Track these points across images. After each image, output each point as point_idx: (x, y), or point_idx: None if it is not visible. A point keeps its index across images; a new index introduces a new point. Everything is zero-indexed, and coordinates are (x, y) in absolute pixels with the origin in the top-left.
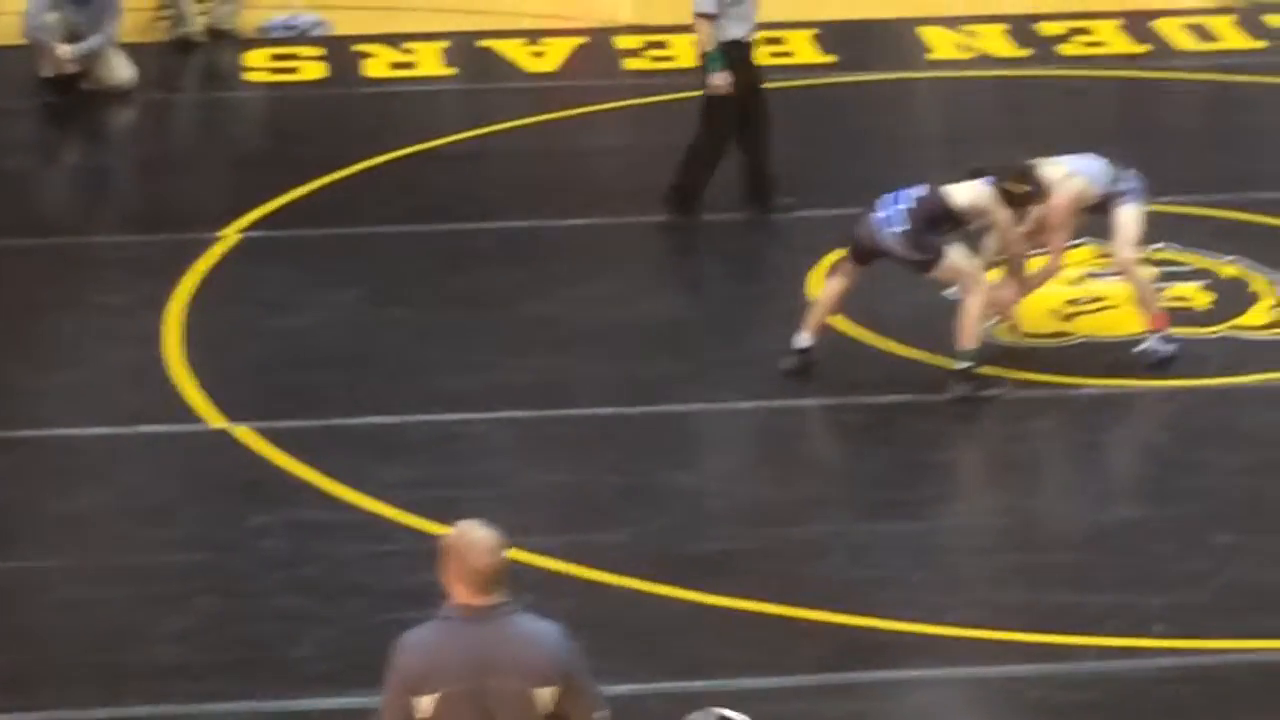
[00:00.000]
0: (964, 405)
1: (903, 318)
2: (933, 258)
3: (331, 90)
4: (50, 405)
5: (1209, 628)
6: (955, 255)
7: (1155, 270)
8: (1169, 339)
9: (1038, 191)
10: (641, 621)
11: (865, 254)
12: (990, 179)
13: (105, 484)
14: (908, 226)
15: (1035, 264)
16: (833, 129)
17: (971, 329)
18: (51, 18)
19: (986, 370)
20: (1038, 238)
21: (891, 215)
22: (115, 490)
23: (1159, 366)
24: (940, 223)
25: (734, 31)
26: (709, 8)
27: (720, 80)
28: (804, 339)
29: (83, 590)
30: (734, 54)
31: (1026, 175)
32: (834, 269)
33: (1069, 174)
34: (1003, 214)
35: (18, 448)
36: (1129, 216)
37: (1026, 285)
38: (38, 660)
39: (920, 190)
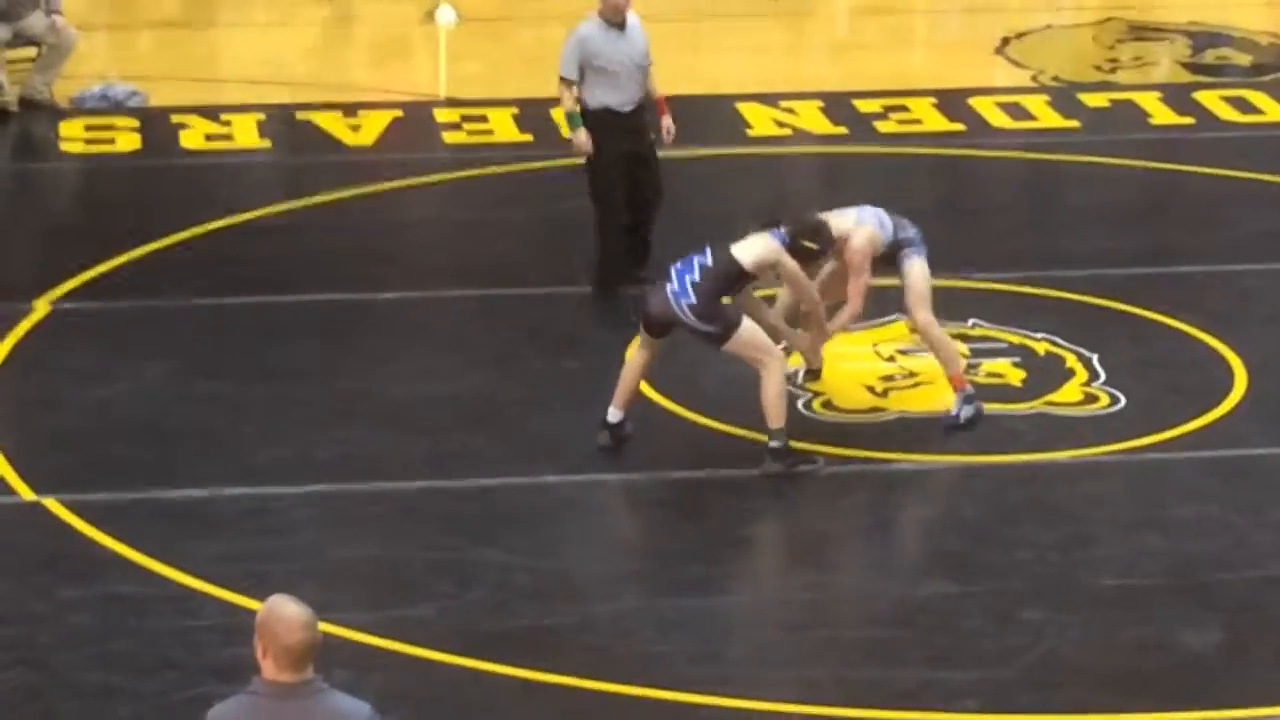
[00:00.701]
0: (777, 481)
1: (714, 391)
2: (725, 331)
3: (147, 161)
4: None
5: (1019, 702)
6: (748, 331)
7: (965, 347)
8: (969, 398)
9: (828, 246)
10: (455, 697)
11: (660, 327)
12: (780, 232)
13: None
14: (697, 299)
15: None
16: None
17: (776, 407)
18: None
19: (805, 446)
20: (834, 290)
21: (682, 288)
22: None
23: (966, 426)
24: (731, 284)
25: (604, 99)
26: (566, 73)
27: (576, 140)
28: (614, 414)
29: None
30: (608, 121)
31: (818, 231)
32: (637, 342)
33: (858, 222)
34: (790, 264)
35: None
36: (917, 274)
37: (826, 331)
38: None
39: (706, 256)
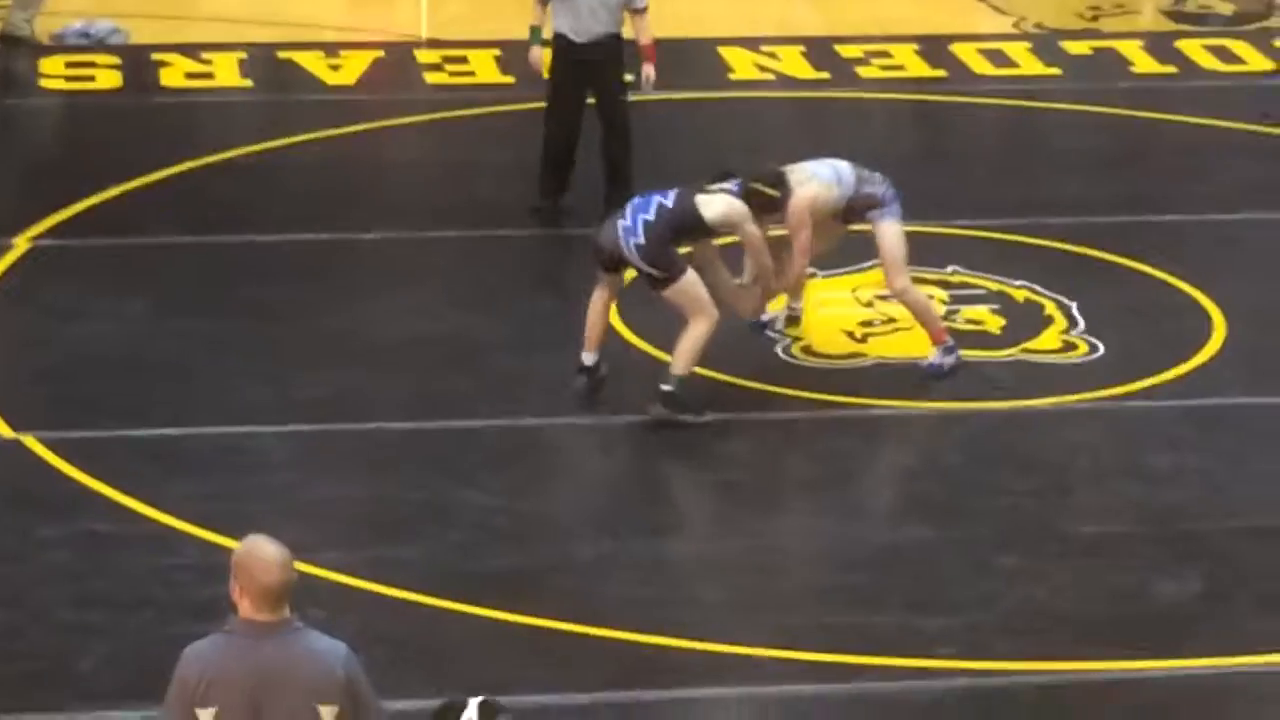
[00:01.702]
0: (758, 425)
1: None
2: (669, 276)
3: (127, 99)
4: None
5: (996, 649)
6: (690, 281)
7: (944, 293)
8: (949, 349)
9: (786, 196)
10: (432, 638)
11: (611, 261)
12: (738, 182)
13: None
14: (646, 239)
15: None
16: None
17: (688, 356)
18: None
19: (786, 392)
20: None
21: (634, 224)
22: None
23: (942, 379)
24: (687, 234)
25: (559, 24)
26: None
27: (531, 56)
28: (588, 357)
29: None
30: (561, 48)
31: (779, 179)
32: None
33: (809, 177)
34: (752, 230)
35: None
36: (891, 238)
37: (770, 290)
38: None
39: (669, 199)
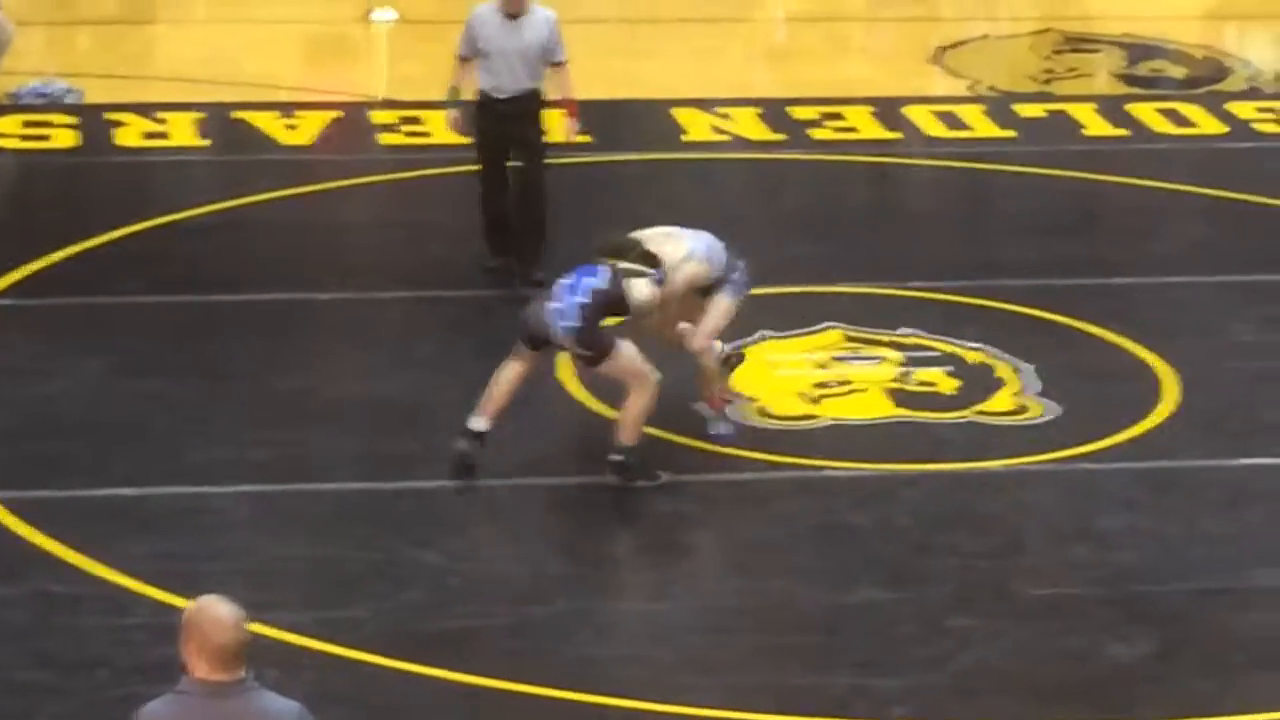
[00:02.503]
0: (710, 486)
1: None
2: (600, 355)
3: (83, 158)
4: None
5: (949, 709)
6: (627, 353)
7: (898, 354)
8: (724, 419)
9: (661, 279)
10: (385, 698)
11: (536, 342)
12: (608, 267)
13: None
14: (581, 324)
15: None
16: (585, 208)
17: (635, 425)
18: None
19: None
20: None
21: (566, 308)
22: None
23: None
24: (613, 314)
25: (483, 82)
26: (459, 48)
27: (448, 117)
28: (481, 423)
29: None
30: (483, 105)
31: (654, 260)
32: (512, 353)
33: (687, 255)
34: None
35: None
36: (721, 308)
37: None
38: None
39: (599, 280)
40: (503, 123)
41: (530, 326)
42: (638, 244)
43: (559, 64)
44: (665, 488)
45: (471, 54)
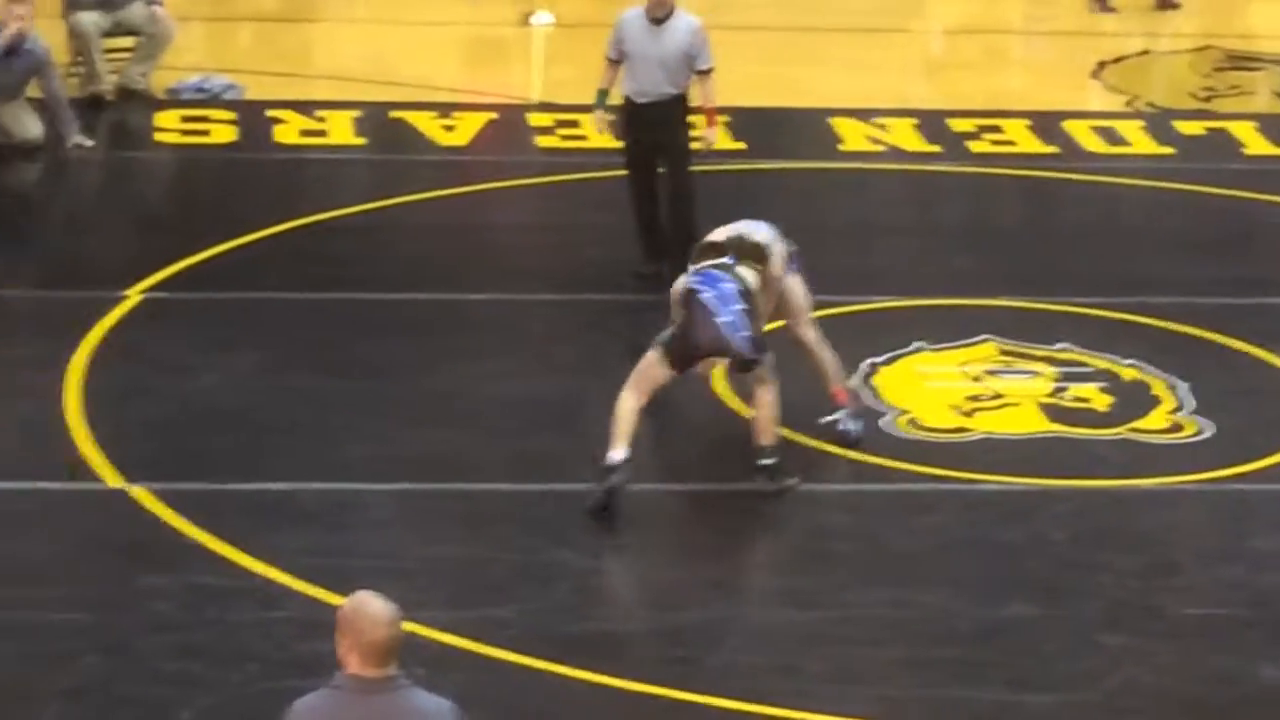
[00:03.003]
0: (856, 496)
1: (790, 401)
2: (763, 358)
3: (241, 154)
4: None
5: None
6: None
7: (1052, 369)
8: (858, 415)
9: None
10: (532, 699)
11: (700, 356)
12: (739, 267)
13: None
14: (752, 331)
15: None
16: (739, 216)
17: (771, 426)
18: None
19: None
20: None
21: (735, 319)
22: (4, 546)
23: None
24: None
25: (625, 86)
26: (608, 51)
27: (593, 118)
28: (619, 454)
29: None
30: (627, 110)
31: (762, 252)
32: (643, 375)
33: (771, 244)
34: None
35: None
36: (800, 289)
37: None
38: None
39: (741, 283)
40: (647, 128)
41: (704, 346)
42: (743, 239)
43: (704, 72)
44: (813, 497)
45: (618, 57)
